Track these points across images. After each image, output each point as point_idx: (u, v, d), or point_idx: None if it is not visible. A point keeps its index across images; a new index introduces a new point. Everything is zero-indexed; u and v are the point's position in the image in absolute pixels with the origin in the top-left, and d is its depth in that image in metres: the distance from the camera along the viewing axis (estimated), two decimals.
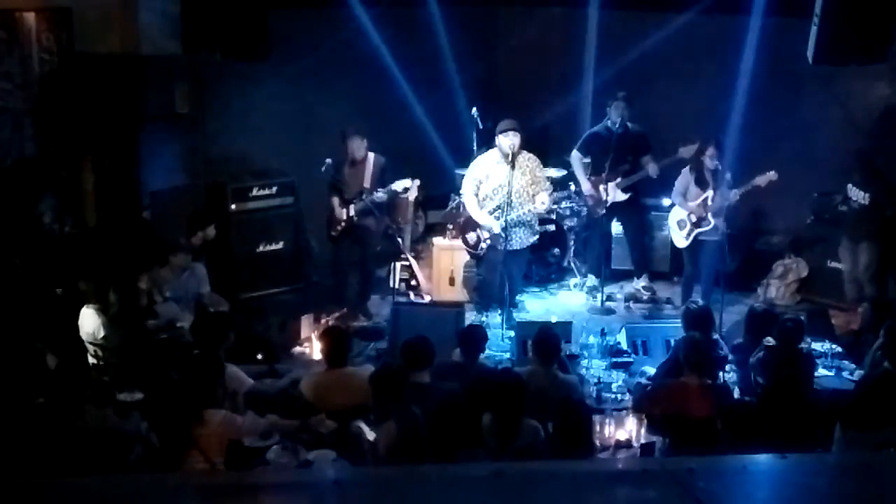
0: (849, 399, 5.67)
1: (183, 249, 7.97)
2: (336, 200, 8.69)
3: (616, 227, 9.69)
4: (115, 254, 8.21)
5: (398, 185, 8.53)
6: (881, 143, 9.23)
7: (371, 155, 8.62)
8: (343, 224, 8.67)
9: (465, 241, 8.68)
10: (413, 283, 9.35)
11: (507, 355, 7.84)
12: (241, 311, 8.47)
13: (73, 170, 8.73)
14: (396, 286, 9.07)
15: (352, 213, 8.63)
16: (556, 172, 9.74)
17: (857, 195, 8.68)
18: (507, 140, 8.23)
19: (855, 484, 2.76)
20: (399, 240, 9.13)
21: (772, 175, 8.43)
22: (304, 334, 8.21)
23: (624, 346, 7.70)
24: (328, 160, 8.51)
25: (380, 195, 8.53)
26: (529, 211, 8.37)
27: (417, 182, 8.71)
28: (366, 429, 5.59)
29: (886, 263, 8.80)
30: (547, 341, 6.51)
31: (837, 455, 4.85)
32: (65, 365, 6.04)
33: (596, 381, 7.14)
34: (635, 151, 9.20)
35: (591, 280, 9.57)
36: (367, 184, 8.60)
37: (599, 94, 9.60)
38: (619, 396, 6.87)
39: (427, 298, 9.19)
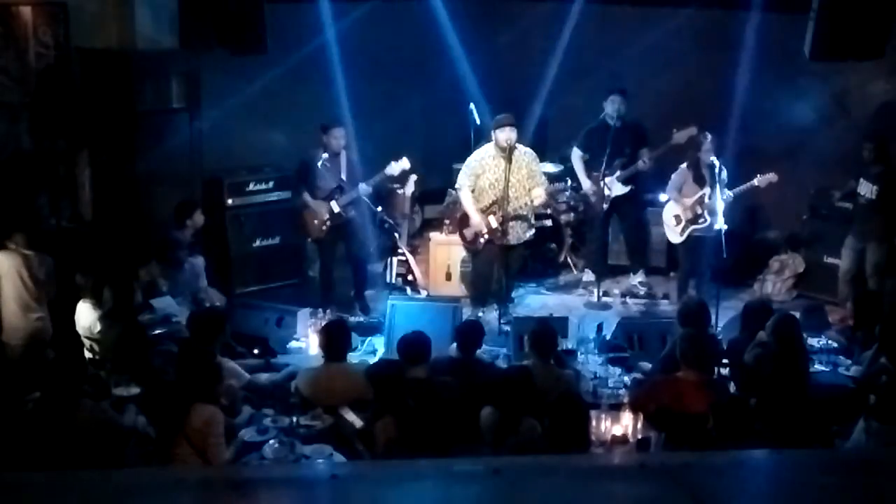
0: (878, 390, 5.61)
1: (178, 243, 7.94)
2: (309, 198, 8.64)
3: (613, 223, 9.68)
4: (111, 248, 8.20)
5: (391, 169, 8.49)
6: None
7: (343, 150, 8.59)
8: (329, 222, 8.63)
9: (463, 237, 8.66)
10: (410, 278, 9.34)
11: (504, 350, 7.84)
12: (238, 305, 8.46)
13: (70, 164, 8.70)
14: (393, 281, 9.07)
15: (336, 209, 8.60)
16: (552, 167, 9.75)
17: (867, 189, 8.55)
18: (504, 134, 8.21)
19: (853, 480, 2.76)
20: (396, 235, 9.10)
21: (771, 177, 8.39)
22: (300, 329, 8.21)
23: (620, 341, 7.70)
24: (324, 155, 8.50)
25: (365, 188, 8.46)
26: (526, 205, 8.36)
27: (414, 176, 8.66)
28: (352, 415, 5.59)
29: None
30: (544, 336, 6.51)
31: (834, 451, 4.85)
32: (62, 359, 6.03)
33: (592, 376, 7.13)
34: (633, 144, 9.17)
35: (588, 275, 9.57)
36: (343, 177, 8.55)
37: (597, 89, 9.57)
38: (615, 392, 6.87)
39: (424, 293, 9.18)
